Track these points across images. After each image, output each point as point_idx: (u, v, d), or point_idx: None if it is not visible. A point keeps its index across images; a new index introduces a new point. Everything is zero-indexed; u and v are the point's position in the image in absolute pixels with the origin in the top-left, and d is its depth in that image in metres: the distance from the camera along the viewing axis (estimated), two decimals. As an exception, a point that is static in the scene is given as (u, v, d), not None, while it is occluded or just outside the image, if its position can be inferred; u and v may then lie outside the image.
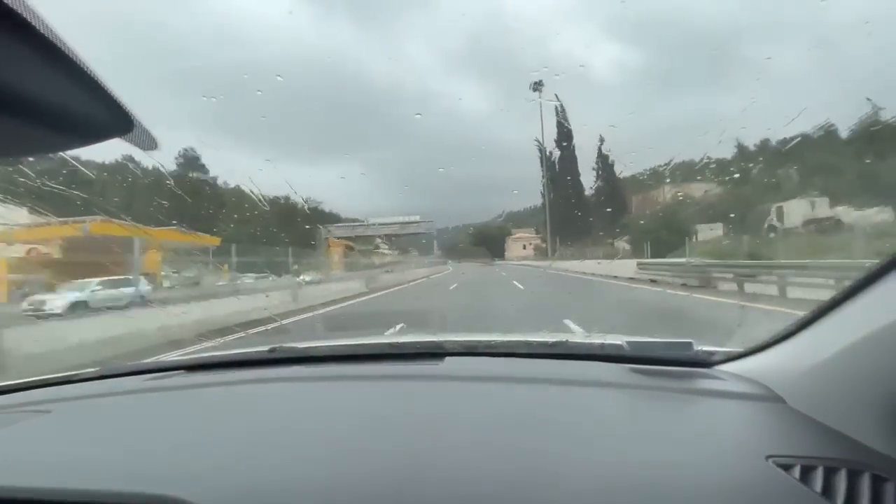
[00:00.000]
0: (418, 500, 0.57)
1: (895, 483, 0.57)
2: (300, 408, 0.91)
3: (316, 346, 1.19)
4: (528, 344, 1.19)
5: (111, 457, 0.72)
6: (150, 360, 1.49)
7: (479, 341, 1.20)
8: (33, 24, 0.32)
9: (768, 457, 0.62)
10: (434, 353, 1.14)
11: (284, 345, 1.20)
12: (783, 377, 0.81)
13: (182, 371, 1.17)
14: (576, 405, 0.86)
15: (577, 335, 1.21)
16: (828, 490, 0.57)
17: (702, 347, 1.02)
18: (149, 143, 0.48)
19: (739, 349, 0.97)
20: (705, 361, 1.00)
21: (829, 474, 0.59)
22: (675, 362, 1.01)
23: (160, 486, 0.59)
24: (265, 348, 1.21)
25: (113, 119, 0.43)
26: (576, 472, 0.62)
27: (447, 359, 1.10)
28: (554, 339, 1.16)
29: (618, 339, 1.09)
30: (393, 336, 1.35)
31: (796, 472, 0.59)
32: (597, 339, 1.15)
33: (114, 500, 0.59)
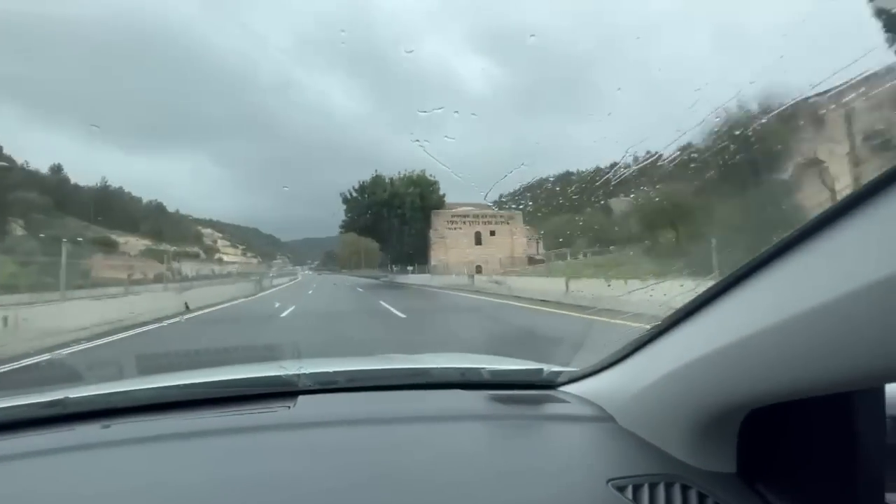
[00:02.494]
0: None
1: (696, 489, 0.67)
2: (102, 491, 0.68)
3: (123, 392, 0.93)
4: (388, 374, 1.16)
5: None
6: None
7: (337, 373, 1.10)
8: None
9: (608, 480, 0.69)
10: (285, 392, 1.00)
11: (72, 394, 0.89)
12: (614, 398, 0.91)
13: None
14: (437, 448, 0.83)
15: (439, 360, 1.20)
16: None
17: (550, 369, 1.09)
18: None
19: (580, 370, 1.05)
20: (552, 383, 1.09)
21: (652, 490, 0.67)
22: (527, 385, 1.10)
23: None
24: (42, 399, 0.87)
25: None
26: None
27: (300, 399, 0.98)
28: (415, 367, 1.15)
29: (477, 364, 1.14)
30: (231, 370, 1.11)
31: (629, 492, 0.67)
32: (456, 364, 1.17)
33: None
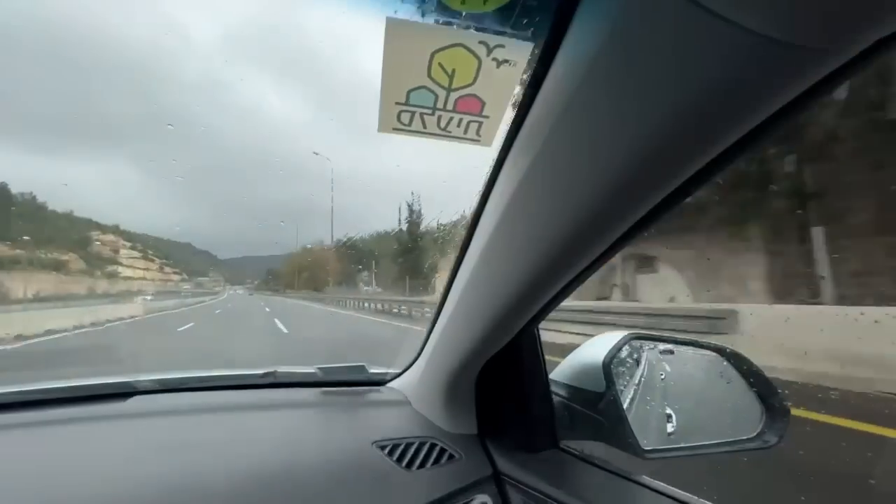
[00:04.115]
0: None
1: (441, 445, 0.91)
2: None
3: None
4: (226, 377, 1.25)
5: None
6: None
7: (173, 378, 1.19)
8: None
9: (373, 442, 0.90)
10: (120, 393, 1.11)
11: None
12: (411, 386, 1.14)
13: None
14: (256, 424, 1.00)
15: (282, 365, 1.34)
16: (402, 458, 0.87)
17: (374, 370, 1.29)
18: None
19: (401, 369, 1.26)
20: (380, 381, 1.27)
21: (407, 448, 0.89)
22: (359, 383, 1.26)
23: None
24: None
25: None
26: (238, 473, 0.78)
27: (134, 397, 1.09)
28: (249, 372, 1.25)
29: (311, 368, 1.27)
30: (73, 379, 1.20)
31: (387, 450, 0.88)
32: (294, 369, 1.30)
33: None
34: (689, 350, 0.90)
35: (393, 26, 0.39)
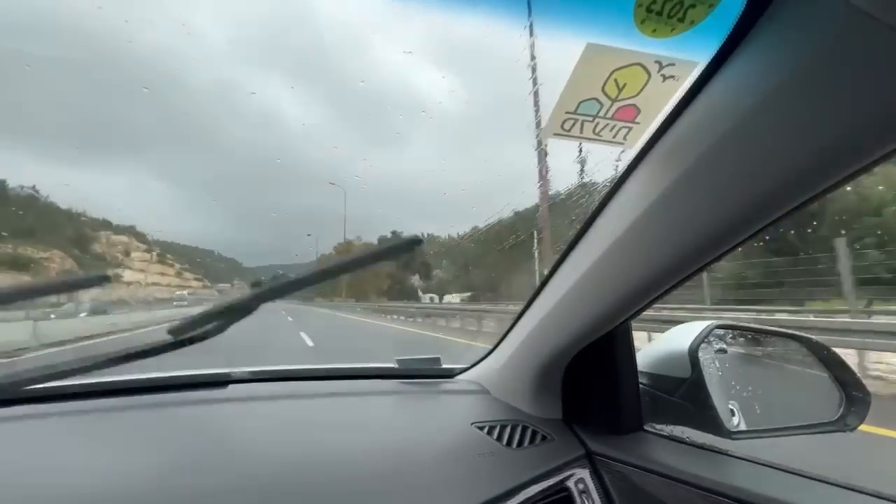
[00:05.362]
0: (211, 494, 0.69)
1: (532, 429, 0.98)
2: (83, 437, 0.88)
3: (99, 382, 1.07)
4: (308, 370, 1.34)
5: None
6: None
7: (266, 370, 1.28)
8: None
9: (472, 423, 0.98)
10: (217, 382, 1.19)
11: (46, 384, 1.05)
12: (488, 377, 1.22)
13: None
14: (350, 408, 1.09)
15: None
16: (500, 438, 0.94)
17: (447, 365, 1.37)
18: None
19: (469, 363, 1.34)
20: (450, 373, 1.35)
21: (503, 428, 0.97)
22: (430, 376, 1.34)
23: None
24: (58, 384, 1.01)
25: None
26: (347, 449, 0.86)
27: (230, 386, 1.17)
28: (334, 366, 1.34)
29: (390, 363, 1.36)
30: (177, 370, 1.29)
31: (486, 430, 0.96)
32: (369, 364, 1.39)
33: None
34: (771, 338, 0.97)
35: (591, 49, 0.47)
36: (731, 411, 0.92)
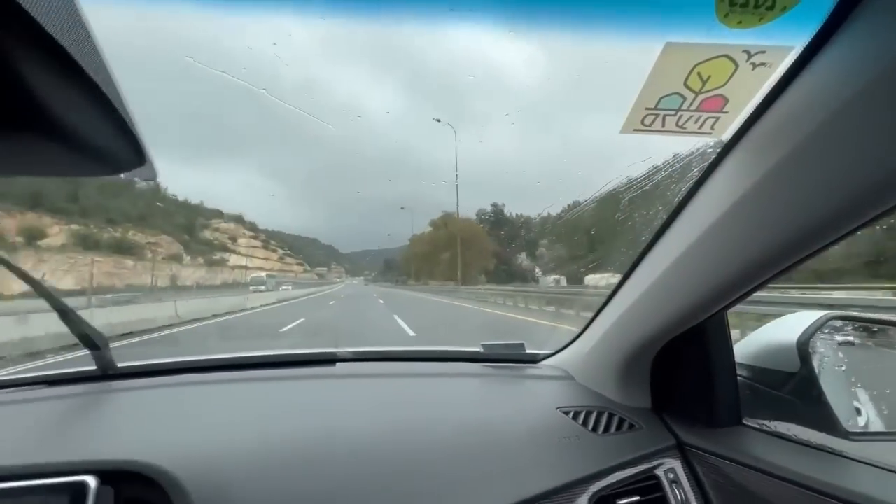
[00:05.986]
0: (326, 457, 0.81)
1: (619, 417, 0.99)
2: (223, 402, 1.07)
3: (226, 357, 1.32)
4: (408, 352, 1.48)
5: (76, 441, 0.79)
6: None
7: (367, 351, 1.43)
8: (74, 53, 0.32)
9: (557, 407, 1.01)
10: (327, 359, 1.36)
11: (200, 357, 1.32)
12: (573, 363, 1.24)
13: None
14: (442, 388, 1.19)
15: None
16: (586, 424, 0.97)
17: (531, 351, 1.40)
18: (150, 174, 0.46)
19: (553, 350, 1.36)
20: (534, 359, 1.38)
21: (588, 415, 0.99)
22: (514, 361, 1.39)
23: (128, 456, 0.71)
24: (195, 357, 1.32)
25: (131, 153, 0.43)
26: (440, 426, 0.93)
27: (339, 364, 1.33)
28: (429, 349, 1.47)
29: (476, 347, 1.44)
30: (289, 349, 1.49)
31: (571, 415, 0.99)
32: (462, 348, 1.48)
33: (94, 467, 0.67)
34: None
35: (670, 49, 0.46)
36: (856, 410, 0.84)
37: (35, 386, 1.12)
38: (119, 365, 1.17)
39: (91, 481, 0.63)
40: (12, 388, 1.10)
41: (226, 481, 0.70)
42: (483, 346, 1.42)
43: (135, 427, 0.88)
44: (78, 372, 1.17)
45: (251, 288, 32.56)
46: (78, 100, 0.36)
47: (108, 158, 0.42)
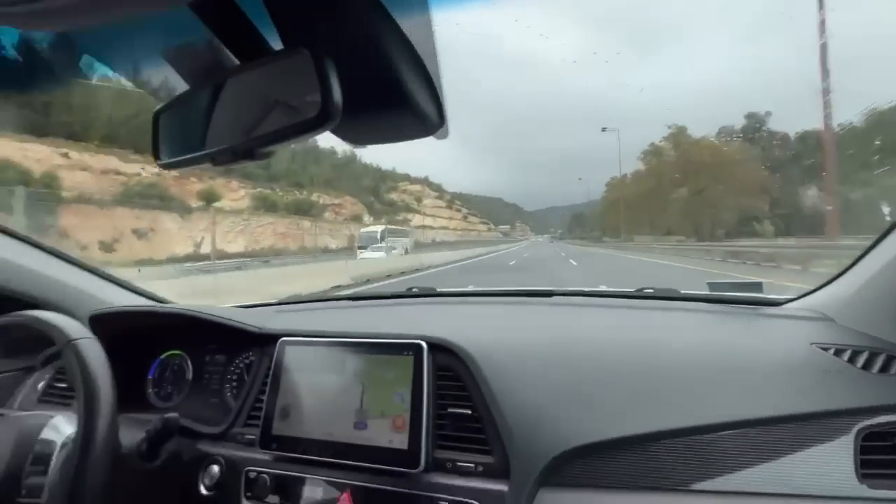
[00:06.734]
0: (563, 356, 0.99)
1: None
2: (486, 314, 1.45)
3: (471, 290, 1.83)
4: (622, 292, 1.46)
5: (390, 327, 1.17)
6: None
7: (582, 290, 1.51)
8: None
9: (811, 343, 0.94)
10: (545, 293, 1.50)
11: (448, 289, 1.78)
12: (832, 305, 1.08)
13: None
14: (669, 319, 1.21)
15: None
16: (853, 362, 0.88)
17: (770, 295, 1.27)
18: (445, 134, 0.53)
19: (798, 293, 1.22)
20: (774, 301, 1.24)
21: (855, 354, 0.89)
22: (748, 303, 1.26)
23: (444, 335, 1.00)
24: (460, 290, 1.84)
25: (436, 116, 0.49)
26: (673, 343, 1.01)
27: (555, 297, 1.47)
28: (653, 289, 1.40)
29: (700, 292, 1.35)
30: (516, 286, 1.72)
31: (832, 351, 0.91)
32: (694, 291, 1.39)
33: (424, 339, 0.97)
34: None
35: None
36: None
37: (394, 298, 1.68)
38: (437, 290, 1.69)
39: (424, 344, 0.96)
40: (379, 299, 1.68)
41: (501, 362, 0.95)
42: (709, 284, 1.34)
43: (447, 323, 1.22)
44: (413, 291, 1.72)
45: (359, 254, 24.28)
46: (412, 72, 0.45)
47: (425, 121, 0.49)
